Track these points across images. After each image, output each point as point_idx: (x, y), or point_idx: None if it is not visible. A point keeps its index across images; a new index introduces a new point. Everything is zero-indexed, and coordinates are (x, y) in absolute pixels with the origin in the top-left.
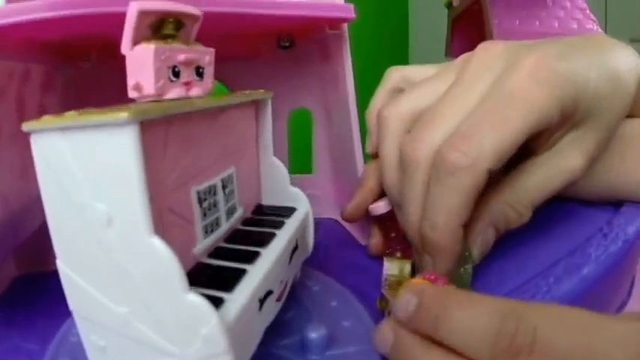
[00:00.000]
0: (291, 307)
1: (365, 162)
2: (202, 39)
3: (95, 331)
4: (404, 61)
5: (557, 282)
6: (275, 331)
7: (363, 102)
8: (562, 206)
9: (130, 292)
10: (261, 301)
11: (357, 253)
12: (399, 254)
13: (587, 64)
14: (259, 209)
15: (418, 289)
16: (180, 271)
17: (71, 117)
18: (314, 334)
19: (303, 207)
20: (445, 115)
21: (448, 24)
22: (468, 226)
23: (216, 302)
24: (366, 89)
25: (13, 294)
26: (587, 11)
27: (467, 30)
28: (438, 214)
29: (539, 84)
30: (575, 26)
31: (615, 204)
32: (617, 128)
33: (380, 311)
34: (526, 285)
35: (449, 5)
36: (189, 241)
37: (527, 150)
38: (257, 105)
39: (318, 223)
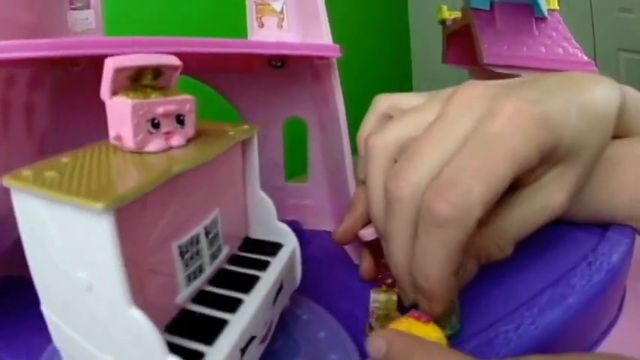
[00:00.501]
0: (278, 337)
1: (355, 179)
2: (193, 58)
3: None
4: (407, 70)
5: (541, 313)
6: None
7: (363, 113)
8: (549, 229)
9: (113, 345)
10: (243, 350)
11: (349, 274)
12: (384, 287)
13: (565, 106)
14: (246, 244)
15: (389, 336)
16: (159, 340)
17: (49, 185)
18: None
19: (289, 243)
20: (427, 152)
21: (443, 37)
22: None
23: (197, 357)
24: (368, 100)
25: None
26: (572, 40)
27: (460, 43)
28: (429, 266)
29: (519, 130)
30: (560, 51)
31: (602, 227)
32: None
33: None
34: (512, 315)
35: (443, 23)
36: (171, 293)
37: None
38: (243, 140)
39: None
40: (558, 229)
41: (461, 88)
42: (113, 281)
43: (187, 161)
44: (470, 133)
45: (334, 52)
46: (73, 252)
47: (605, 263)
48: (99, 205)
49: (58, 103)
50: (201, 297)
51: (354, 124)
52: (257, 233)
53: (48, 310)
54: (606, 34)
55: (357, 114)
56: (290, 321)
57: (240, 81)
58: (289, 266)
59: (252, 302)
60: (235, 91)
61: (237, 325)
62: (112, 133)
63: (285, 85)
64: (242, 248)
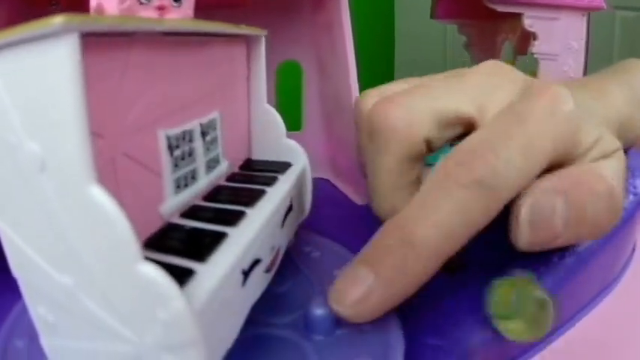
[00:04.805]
0: (287, 278)
1: None
2: None
3: (42, 302)
4: (390, 29)
5: None
6: (270, 307)
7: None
8: None
9: (72, 258)
10: (246, 274)
11: (355, 213)
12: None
13: None
14: (248, 164)
15: None
16: (129, 232)
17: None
18: (320, 311)
19: (299, 162)
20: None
21: None
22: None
23: (184, 275)
24: None
25: None
26: None
27: None
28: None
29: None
30: None
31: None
32: None
33: None
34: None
35: None
36: (153, 197)
37: None
38: (248, 42)
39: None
40: None
41: None
42: (70, 146)
43: (183, 23)
44: None
45: None
46: (25, 114)
47: (632, 187)
48: (58, 21)
49: None
50: (192, 212)
51: None
52: (262, 153)
53: None
54: None
55: None
56: (299, 259)
57: (229, 19)
58: (299, 185)
59: (258, 215)
60: None
61: (240, 239)
62: (92, 3)
63: (280, 20)
64: (244, 168)
